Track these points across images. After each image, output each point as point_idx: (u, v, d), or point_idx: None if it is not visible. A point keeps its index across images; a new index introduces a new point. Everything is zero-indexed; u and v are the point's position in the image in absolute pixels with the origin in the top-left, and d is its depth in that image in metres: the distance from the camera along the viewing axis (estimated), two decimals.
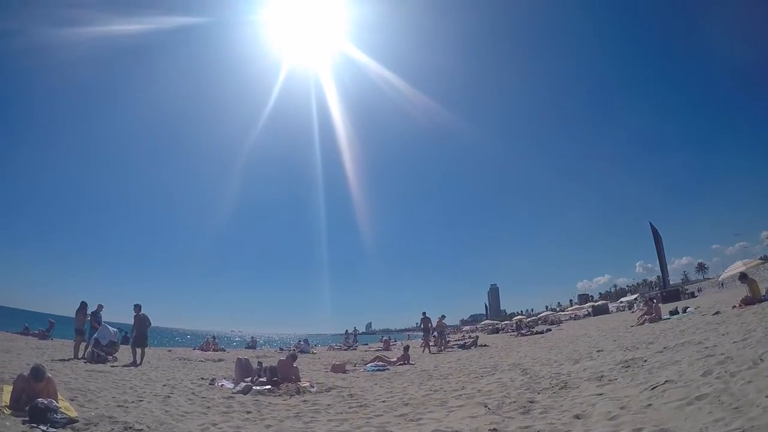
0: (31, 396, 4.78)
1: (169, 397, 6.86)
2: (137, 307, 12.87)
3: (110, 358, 11.99)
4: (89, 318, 12.88)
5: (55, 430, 4.22)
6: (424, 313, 19.96)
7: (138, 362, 11.95)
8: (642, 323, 15.11)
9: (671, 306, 20.68)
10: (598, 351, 9.62)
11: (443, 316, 20.25)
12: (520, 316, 46.98)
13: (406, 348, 14.92)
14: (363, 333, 53.46)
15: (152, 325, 13.15)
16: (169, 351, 21.29)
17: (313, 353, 22.17)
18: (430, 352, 18.37)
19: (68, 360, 11.46)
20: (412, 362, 13.53)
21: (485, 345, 19.51)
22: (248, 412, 5.90)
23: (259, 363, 9.42)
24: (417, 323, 23.97)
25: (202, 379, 9.51)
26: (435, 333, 19.63)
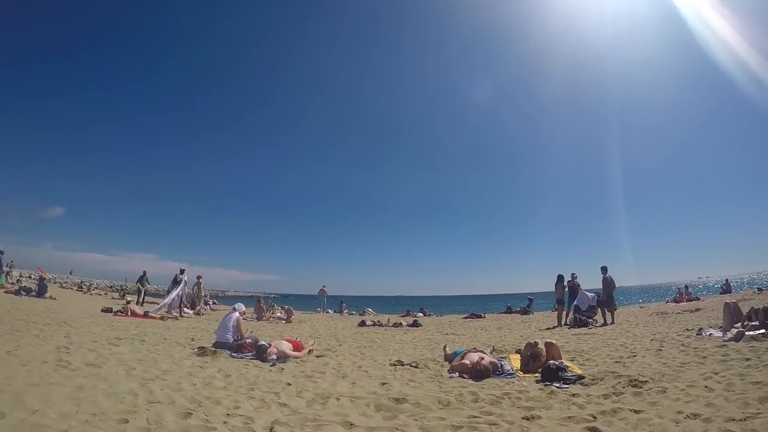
0: (540, 359, 5.86)
1: (660, 350, 6.96)
2: (604, 269, 13.39)
3: (591, 321, 12.78)
4: (567, 288, 14.07)
5: (566, 386, 4.86)
6: None
7: (608, 322, 12.58)
8: None
9: None
10: None
11: None
12: None
13: None
14: None
15: (617, 286, 13.28)
16: (641, 308, 21.02)
17: None
18: None
19: (553, 327, 13.31)
20: None
21: None
22: (747, 360, 5.35)
23: (752, 307, 8.07)
24: None
25: (687, 330, 9.15)
26: None
